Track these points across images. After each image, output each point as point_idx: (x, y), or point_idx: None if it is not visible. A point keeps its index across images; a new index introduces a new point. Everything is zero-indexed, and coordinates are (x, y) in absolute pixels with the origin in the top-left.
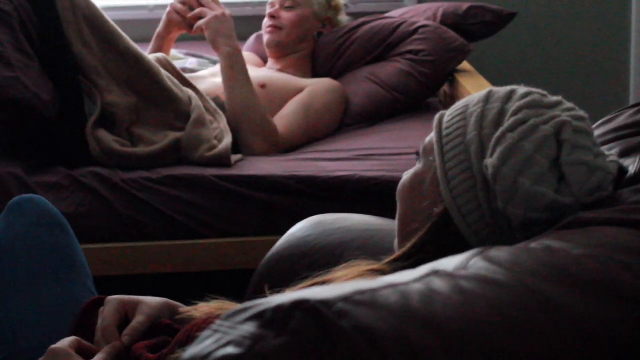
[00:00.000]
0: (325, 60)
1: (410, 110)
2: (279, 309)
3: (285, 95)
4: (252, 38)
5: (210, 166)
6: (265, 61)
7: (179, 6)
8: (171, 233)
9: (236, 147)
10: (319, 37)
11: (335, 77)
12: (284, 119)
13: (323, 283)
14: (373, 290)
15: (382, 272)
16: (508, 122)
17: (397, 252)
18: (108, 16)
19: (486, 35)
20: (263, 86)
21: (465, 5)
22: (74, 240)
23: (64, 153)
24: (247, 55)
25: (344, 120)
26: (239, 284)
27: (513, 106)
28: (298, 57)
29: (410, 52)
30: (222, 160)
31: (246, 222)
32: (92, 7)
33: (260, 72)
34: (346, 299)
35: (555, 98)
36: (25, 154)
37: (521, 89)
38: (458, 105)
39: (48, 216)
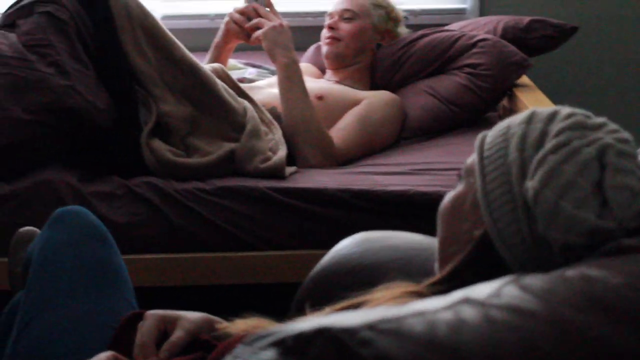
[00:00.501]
0: (383, 73)
1: (468, 124)
2: (300, 336)
3: (342, 107)
4: (311, 49)
5: (264, 178)
6: (323, 72)
7: (237, 16)
8: (223, 244)
9: (291, 159)
10: (377, 49)
11: (393, 90)
12: (340, 131)
13: (359, 304)
14: (400, 318)
15: (421, 295)
16: (550, 143)
17: (436, 275)
18: (165, 25)
19: (547, 49)
20: (320, 98)
21: (527, 19)
22: (116, 253)
23: (118, 162)
24: (306, 66)
25: (401, 134)
26: (289, 297)
27: (555, 127)
28: (356, 69)
29: (469, 65)
30: (276, 172)
31: (298, 235)
32: (149, 16)
33: (318, 84)
34: (371, 326)
35: (599, 119)
36: (79, 163)
37: (564, 110)
38: (500, 125)
39: (90, 228)
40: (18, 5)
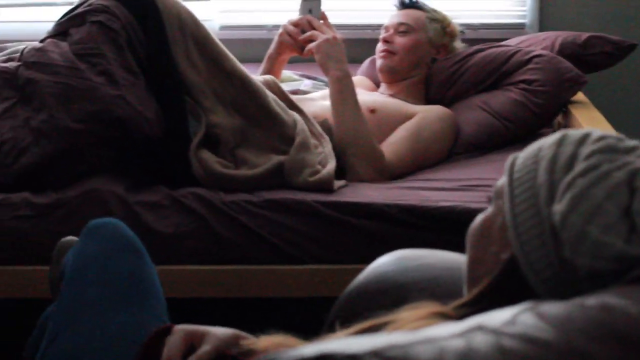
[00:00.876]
0: (438, 87)
1: (522, 140)
2: None
3: (395, 121)
4: (367, 62)
5: (313, 191)
6: (378, 85)
7: (291, 28)
8: (269, 257)
9: (342, 173)
10: (433, 63)
11: (447, 104)
12: (392, 145)
13: (383, 325)
14: (408, 345)
15: (447, 316)
16: (579, 167)
17: (463, 298)
18: (222, 36)
19: (604, 66)
20: (373, 111)
21: (585, 35)
22: (149, 266)
23: (165, 172)
24: (361, 79)
25: (453, 149)
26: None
27: (586, 150)
28: (410, 83)
29: (523, 81)
30: (324, 186)
31: (345, 249)
32: (200, 27)
33: (371, 97)
34: (377, 353)
35: (631, 142)
36: (127, 172)
37: (596, 132)
38: (532, 147)
39: (123, 241)
40: (71, 14)
